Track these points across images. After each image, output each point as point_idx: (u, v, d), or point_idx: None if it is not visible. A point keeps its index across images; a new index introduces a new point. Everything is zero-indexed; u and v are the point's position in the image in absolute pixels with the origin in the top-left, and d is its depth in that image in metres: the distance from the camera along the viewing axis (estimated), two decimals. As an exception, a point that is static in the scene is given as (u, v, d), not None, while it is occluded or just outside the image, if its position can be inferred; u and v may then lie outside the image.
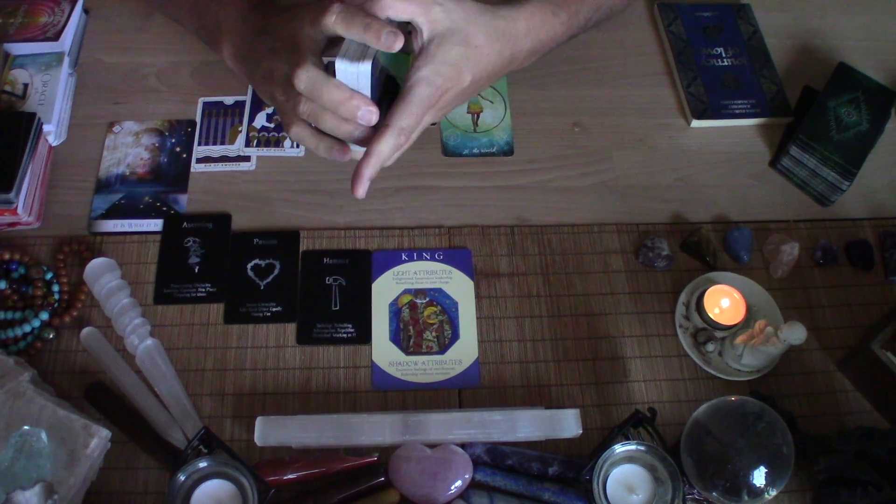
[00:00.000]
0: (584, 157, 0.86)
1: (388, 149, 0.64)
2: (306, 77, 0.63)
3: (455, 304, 0.76)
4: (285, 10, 0.70)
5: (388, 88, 0.69)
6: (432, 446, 0.67)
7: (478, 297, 0.77)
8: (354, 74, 0.63)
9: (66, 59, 0.85)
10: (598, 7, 0.79)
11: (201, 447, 0.63)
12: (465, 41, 0.66)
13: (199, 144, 0.84)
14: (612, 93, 0.90)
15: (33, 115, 0.79)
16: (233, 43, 0.75)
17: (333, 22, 0.61)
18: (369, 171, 0.65)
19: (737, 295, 0.74)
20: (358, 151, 0.67)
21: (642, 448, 0.63)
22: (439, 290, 0.77)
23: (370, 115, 0.63)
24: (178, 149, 0.84)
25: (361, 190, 0.65)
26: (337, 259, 0.78)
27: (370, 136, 0.65)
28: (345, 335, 0.75)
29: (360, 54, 0.64)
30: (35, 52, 0.86)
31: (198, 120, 0.85)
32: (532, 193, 0.82)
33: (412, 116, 0.64)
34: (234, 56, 0.75)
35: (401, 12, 0.62)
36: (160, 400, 0.70)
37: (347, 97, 0.63)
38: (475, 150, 0.85)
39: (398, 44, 0.60)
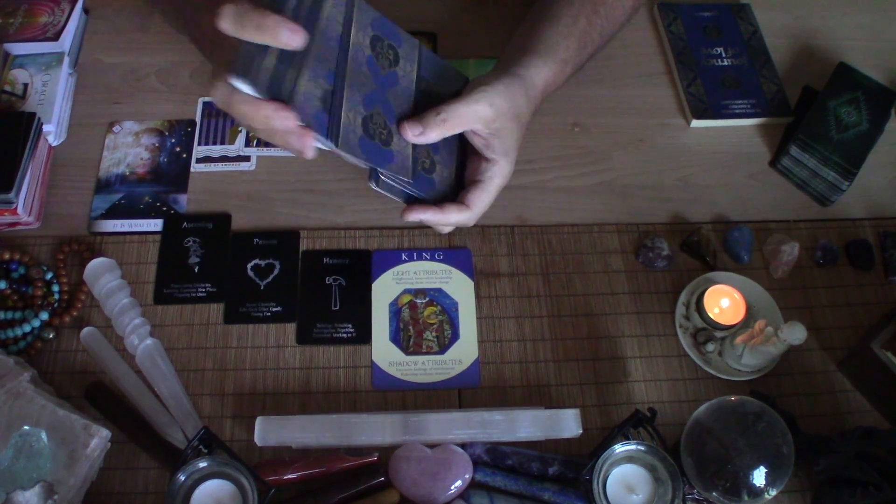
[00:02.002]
0: (584, 157, 0.86)
1: (457, 222, 0.70)
2: (219, 95, 0.58)
3: (455, 304, 0.76)
4: None
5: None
6: (432, 446, 0.67)
7: (478, 297, 0.77)
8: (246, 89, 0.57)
9: (66, 59, 0.85)
10: (602, 44, 0.80)
11: (201, 447, 0.63)
12: (516, 118, 0.69)
13: (199, 144, 0.84)
14: (612, 93, 0.90)
15: (33, 115, 0.79)
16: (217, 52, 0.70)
17: (224, 25, 0.55)
18: (429, 220, 0.69)
19: (737, 295, 0.74)
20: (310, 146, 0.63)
21: (642, 448, 0.63)
22: (439, 290, 0.77)
23: (285, 120, 0.57)
24: (178, 149, 0.84)
25: (410, 218, 0.69)
26: (337, 259, 0.78)
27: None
28: (345, 335, 0.74)
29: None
30: (35, 52, 0.86)
31: (198, 120, 0.85)
32: (532, 193, 0.82)
33: (489, 202, 0.71)
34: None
35: (460, 127, 0.67)
36: (160, 400, 0.70)
37: (255, 108, 0.57)
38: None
39: (296, 40, 0.56)
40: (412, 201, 0.70)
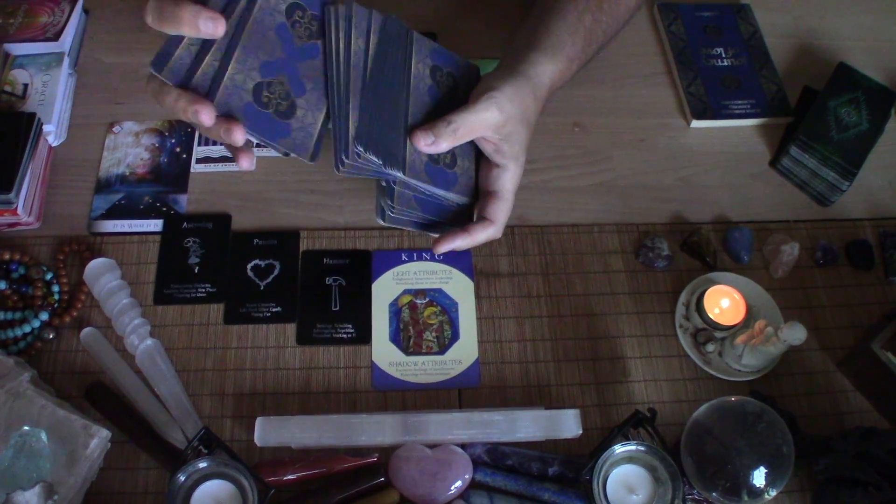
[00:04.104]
0: (584, 157, 0.86)
1: (485, 239, 0.69)
2: (150, 88, 0.59)
3: (455, 304, 0.76)
4: None
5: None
6: (432, 446, 0.67)
7: (478, 297, 0.77)
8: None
9: (66, 59, 0.85)
10: (605, 42, 0.79)
11: (201, 447, 0.63)
12: (525, 120, 0.69)
13: (199, 145, 0.84)
14: (612, 93, 0.90)
15: (33, 115, 0.79)
16: None
17: (148, 20, 0.55)
18: (460, 247, 0.68)
19: (737, 295, 0.74)
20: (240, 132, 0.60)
21: (642, 448, 0.63)
22: (439, 291, 0.77)
23: (199, 114, 0.56)
24: (178, 149, 0.84)
25: (442, 250, 0.68)
26: (337, 259, 0.78)
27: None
28: (345, 335, 0.74)
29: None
30: (35, 52, 0.86)
31: (198, 120, 0.85)
32: (532, 193, 0.82)
33: (510, 210, 0.70)
34: None
35: (470, 135, 0.66)
36: (160, 400, 0.70)
37: (175, 100, 0.57)
38: (475, 150, 0.85)
39: (214, 28, 0.55)
40: (424, 229, 0.70)
